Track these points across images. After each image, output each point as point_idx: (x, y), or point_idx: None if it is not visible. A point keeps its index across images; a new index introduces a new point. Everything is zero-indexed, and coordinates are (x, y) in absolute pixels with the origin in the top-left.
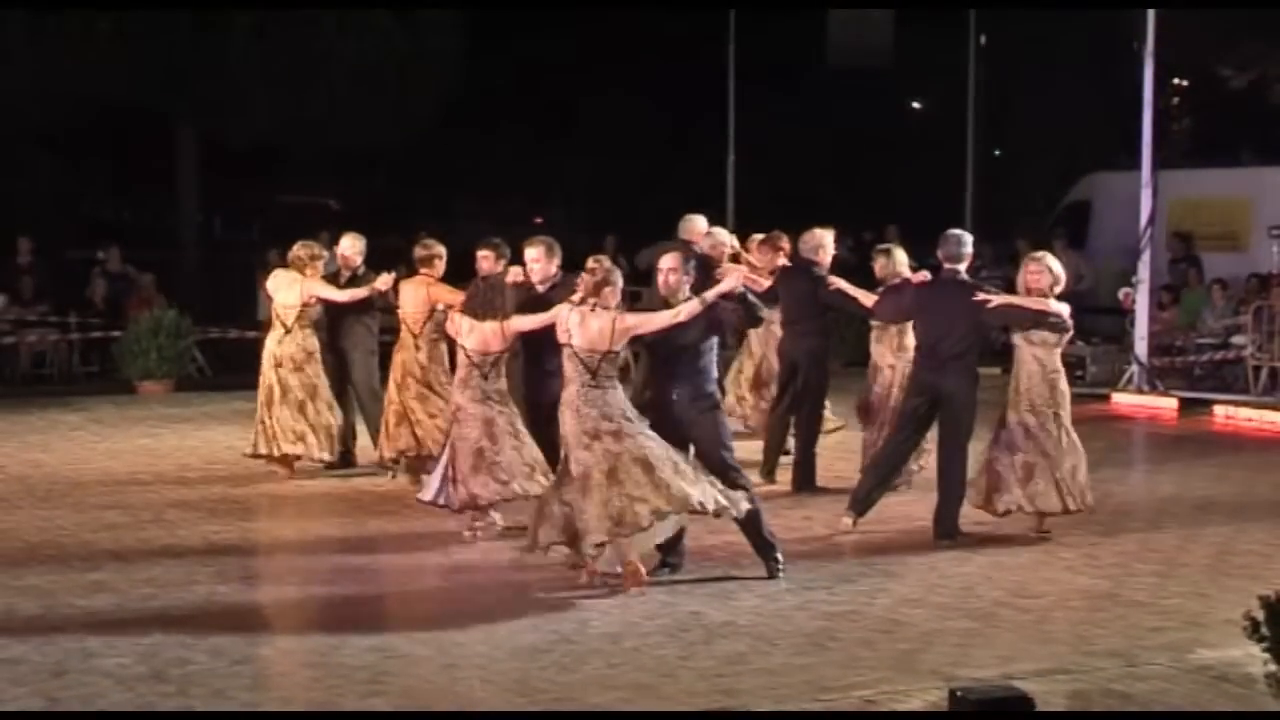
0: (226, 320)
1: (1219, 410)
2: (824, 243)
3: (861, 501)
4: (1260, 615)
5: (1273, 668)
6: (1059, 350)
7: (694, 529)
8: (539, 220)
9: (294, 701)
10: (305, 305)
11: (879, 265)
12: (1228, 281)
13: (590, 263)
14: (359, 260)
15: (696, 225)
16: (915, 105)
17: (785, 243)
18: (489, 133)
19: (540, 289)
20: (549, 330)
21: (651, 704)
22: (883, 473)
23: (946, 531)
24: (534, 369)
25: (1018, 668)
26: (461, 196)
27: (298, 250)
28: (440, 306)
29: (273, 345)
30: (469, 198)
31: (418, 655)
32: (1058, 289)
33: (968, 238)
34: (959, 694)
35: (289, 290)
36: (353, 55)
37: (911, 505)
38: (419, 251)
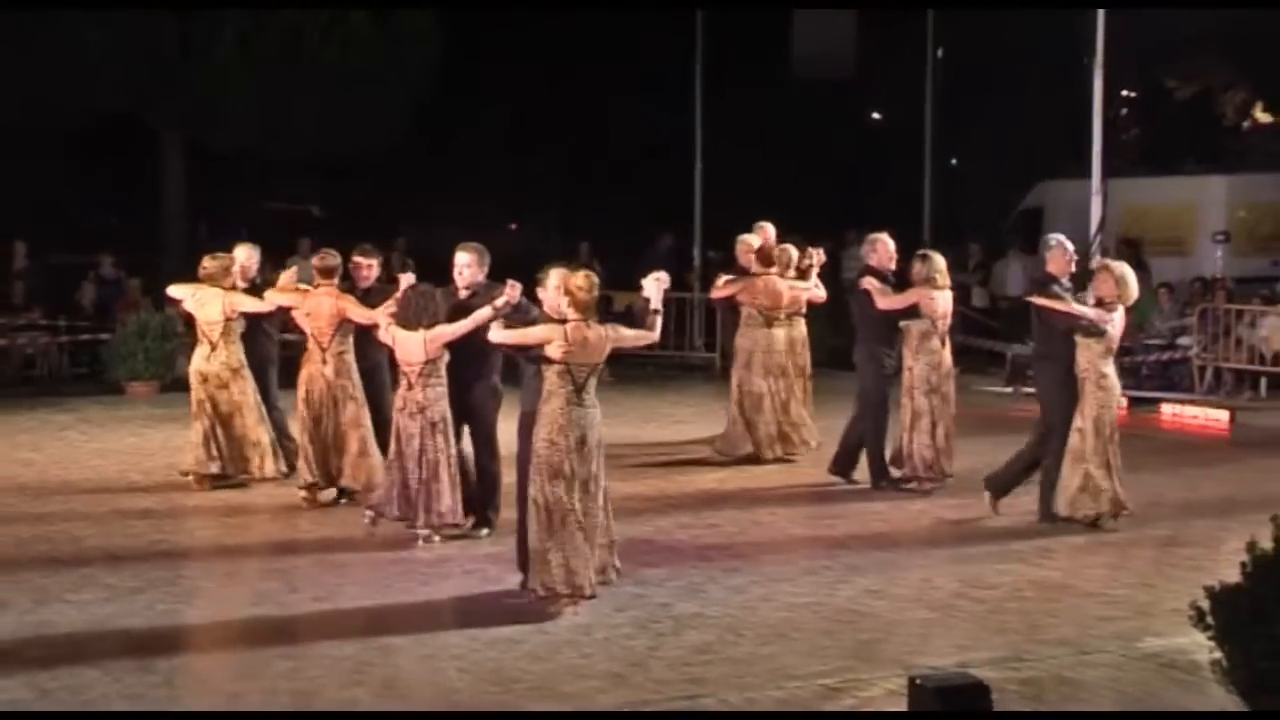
0: None
1: (1166, 408)
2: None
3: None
4: (1206, 605)
5: (1218, 655)
6: (1099, 356)
7: (665, 523)
8: (513, 226)
9: (277, 692)
10: (228, 320)
11: (917, 269)
12: (1174, 285)
13: (581, 279)
14: (255, 270)
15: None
16: (875, 116)
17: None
18: (464, 141)
19: (464, 294)
20: (470, 338)
21: (623, 693)
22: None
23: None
24: (453, 378)
25: (974, 656)
26: (438, 202)
27: (210, 264)
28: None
29: (198, 362)
30: (445, 203)
31: (396, 646)
32: (1123, 298)
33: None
34: (918, 681)
35: (211, 306)
36: (333, 66)
37: (872, 502)
38: (318, 262)
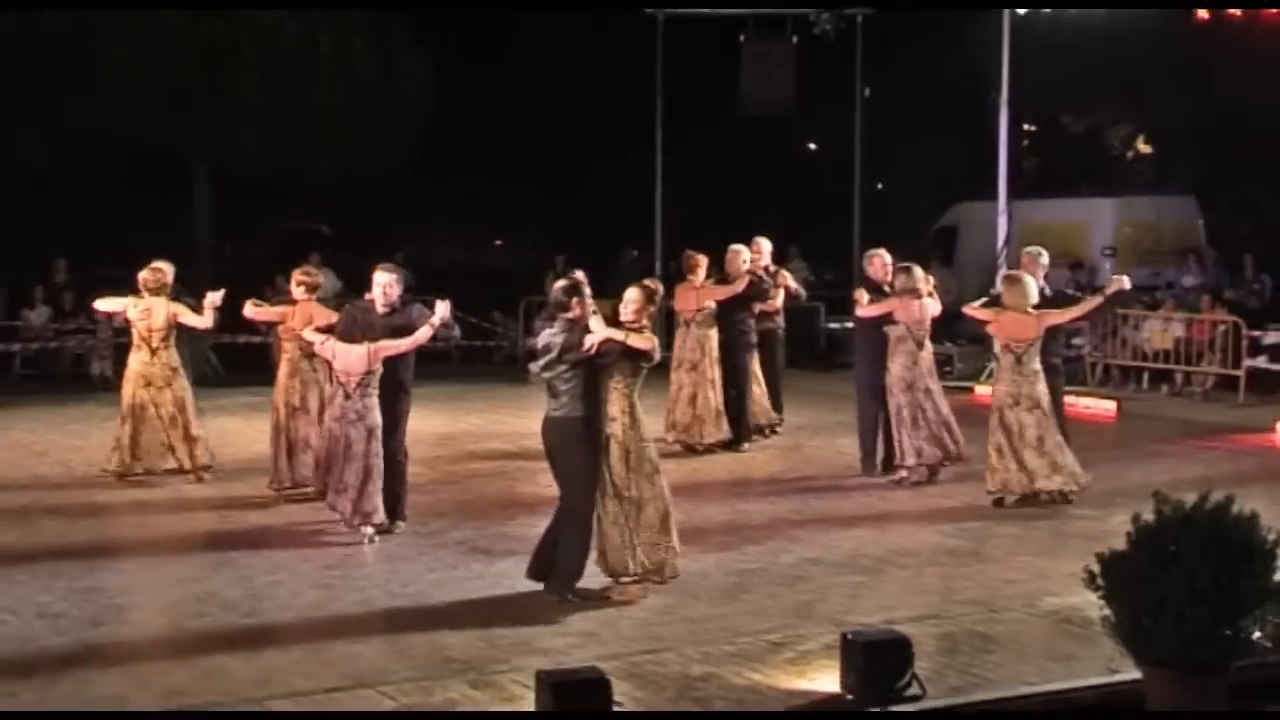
0: (235, 328)
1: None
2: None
3: None
4: (1097, 569)
5: (1107, 612)
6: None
7: None
8: (499, 242)
9: (294, 652)
10: (170, 327)
11: (899, 281)
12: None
13: (648, 283)
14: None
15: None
16: (811, 146)
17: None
18: (456, 168)
19: (383, 310)
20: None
21: (594, 649)
22: None
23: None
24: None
25: (898, 614)
26: (432, 221)
27: (149, 276)
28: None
29: (139, 366)
30: (439, 223)
31: (398, 607)
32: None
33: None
34: (849, 636)
35: (157, 314)
36: (342, 103)
37: (810, 481)
38: (300, 276)
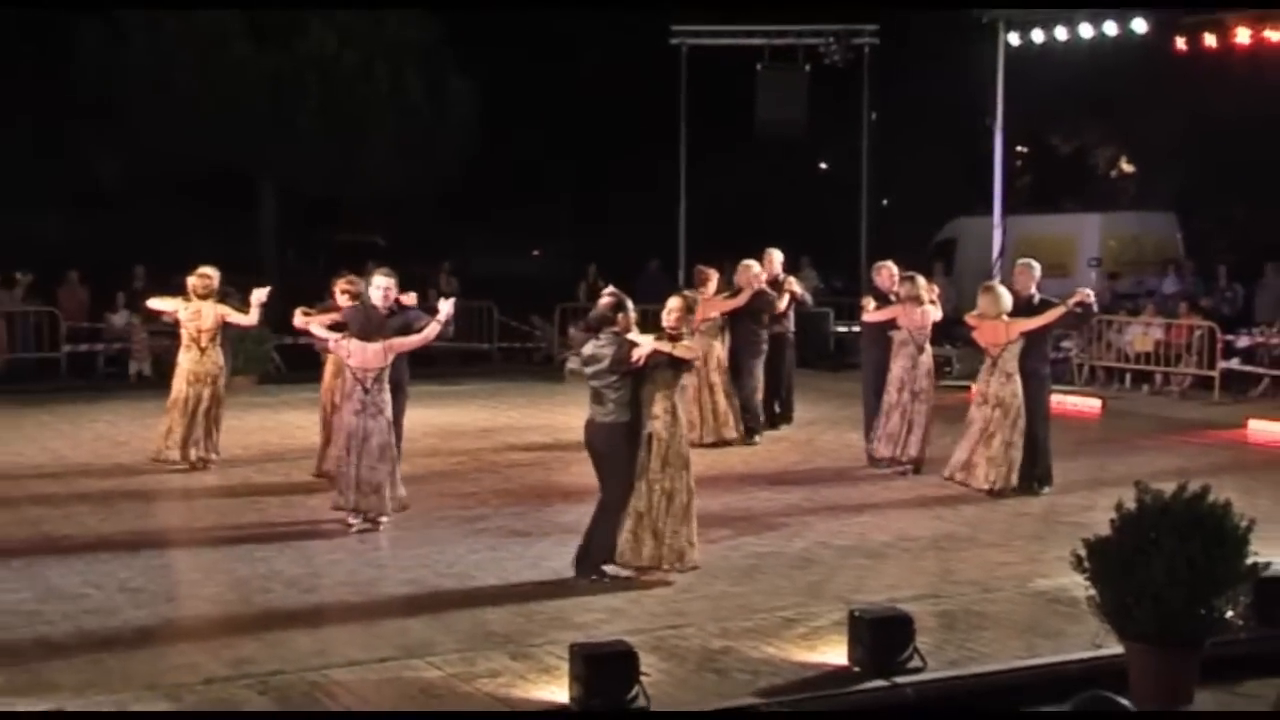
0: (297, 330)
1: (1053, 397)
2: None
3: None
4: (1083, 553)
5: (1092, 592)
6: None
7: None
8: (536, 252)
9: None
10: (217, 327)
11: (904, 289)
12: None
13: (688, 294)
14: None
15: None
16: (822, 165)
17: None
18: (497, 185)
19: (384, 312)
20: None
21: (623, 623)
22: None
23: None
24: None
25: (901, 594)
26: (476, 233)
27: (198, 282)
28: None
29: (189, 364)
30: (482, 234)
31: (444, 589)
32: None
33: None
34: (856, 613)
35: (206, 316)
36: (394, 127)
37: (820, 472)
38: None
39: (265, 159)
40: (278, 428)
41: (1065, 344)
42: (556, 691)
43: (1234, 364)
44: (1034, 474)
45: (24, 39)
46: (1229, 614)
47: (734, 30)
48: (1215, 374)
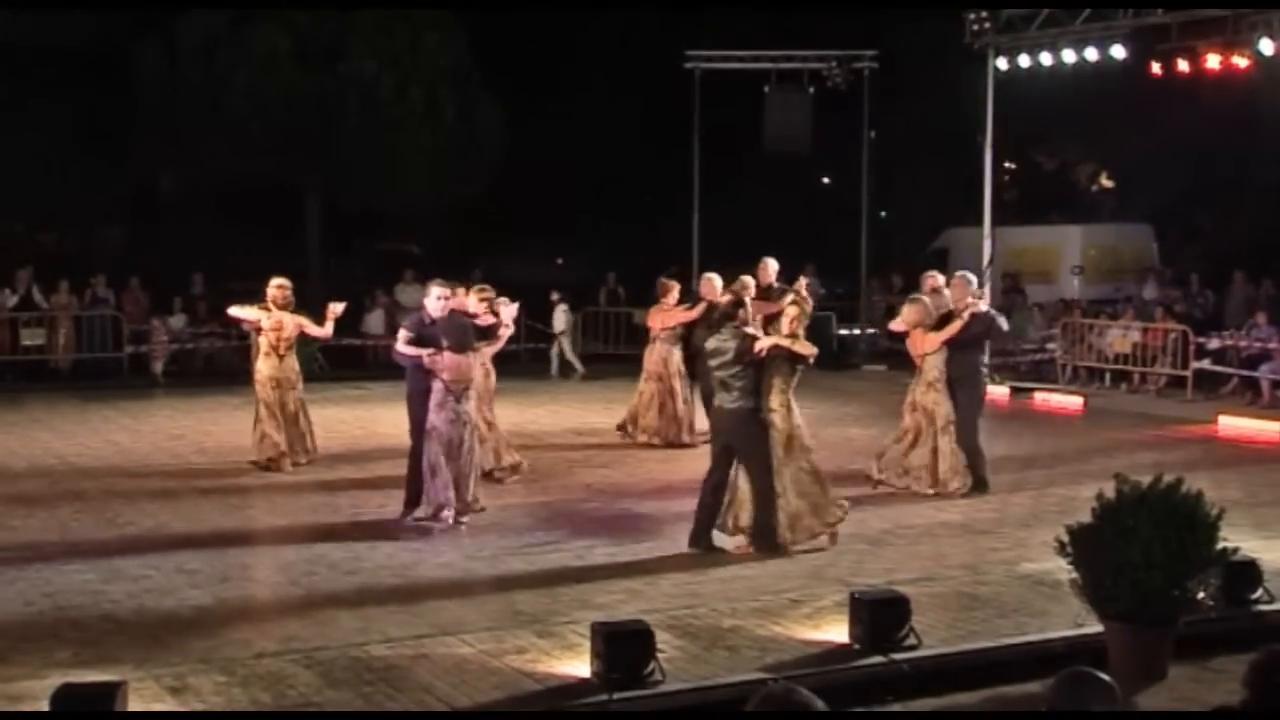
0: (340, 332)
1: (1038, 395)
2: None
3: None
4: (1066, 539)
5: (1075, 575)
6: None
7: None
8: (559, 260)
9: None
10: (295, 337)
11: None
12: (1044, 305)
13: (799, 291)
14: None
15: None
16: (825, 180)
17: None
18: (523, 197)
19: (436, 321)
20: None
21: (640, 603)
22: None
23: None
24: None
25: (898, 576)
26: (504, 242)
27: (278, 294)
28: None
29: (271, 370)
30: (510, 243)
31: (476, 570)
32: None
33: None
34: (856, 595)
35: (288, 326)
36: (429, 143)
37: (822, 464)
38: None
39: (310, 175)
40: (321, 424)
41: (1050, 345)
42: (579, 666)
43: (1205, 364)
44: (976, 476)
45: (91, 65)
46: (1200, 595)
47: (743, 55)
48: (1188, 374)
